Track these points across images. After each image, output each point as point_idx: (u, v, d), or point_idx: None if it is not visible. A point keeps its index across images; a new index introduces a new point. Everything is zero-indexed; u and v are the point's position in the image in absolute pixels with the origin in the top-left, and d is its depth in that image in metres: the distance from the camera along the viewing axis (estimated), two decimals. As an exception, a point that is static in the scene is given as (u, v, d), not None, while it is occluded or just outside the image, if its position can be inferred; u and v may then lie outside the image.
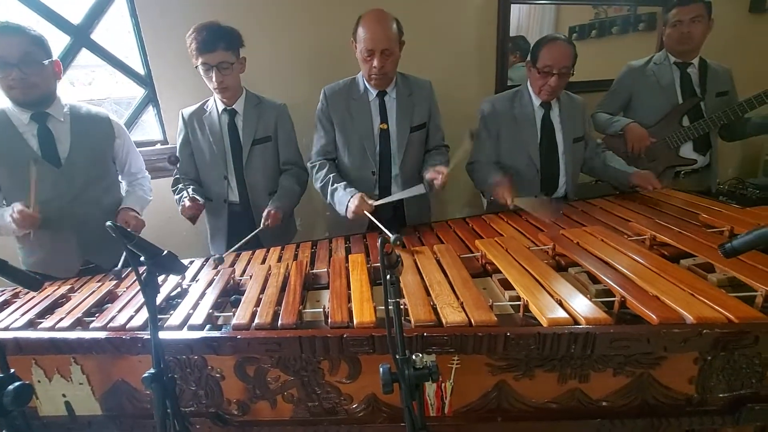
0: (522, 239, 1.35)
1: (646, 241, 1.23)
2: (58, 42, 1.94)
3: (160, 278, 1.25)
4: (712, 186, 2.16)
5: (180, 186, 1.69)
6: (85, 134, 1.53)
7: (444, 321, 0.91)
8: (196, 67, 1.59)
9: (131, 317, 1.07)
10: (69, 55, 1.98)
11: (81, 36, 1.98)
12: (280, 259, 1.41)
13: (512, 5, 2.49)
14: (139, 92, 2.13)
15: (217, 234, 1.82)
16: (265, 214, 1.60)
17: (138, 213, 1.61)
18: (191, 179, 1.77)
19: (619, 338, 0.86)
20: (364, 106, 1.67)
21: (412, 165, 1.73)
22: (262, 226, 1.58)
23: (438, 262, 1.20)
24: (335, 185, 1.62)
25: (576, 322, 0.88)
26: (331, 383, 1.00)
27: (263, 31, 2.11)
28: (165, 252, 0.87)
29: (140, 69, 2.08)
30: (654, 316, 0.87)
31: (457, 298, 0.99)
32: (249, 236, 1.53)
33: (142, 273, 0.85)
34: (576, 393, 0.97)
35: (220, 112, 1.71)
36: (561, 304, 0.93)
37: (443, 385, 0.99)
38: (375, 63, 1.52)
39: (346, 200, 1.54)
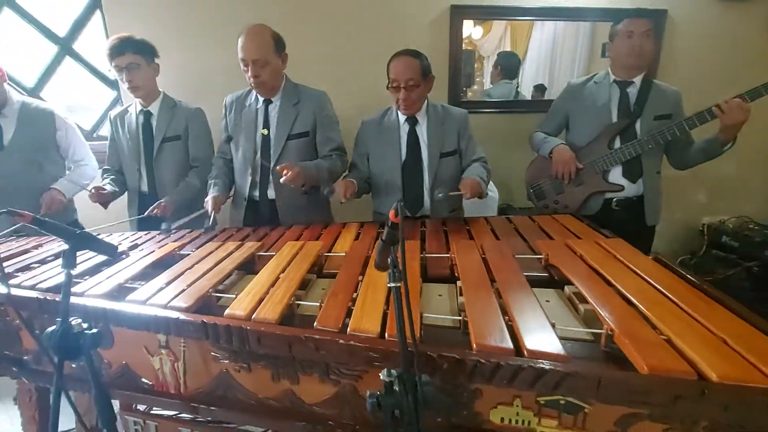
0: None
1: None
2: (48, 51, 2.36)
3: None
4: (649, 219, 1.90)
5: (102, 177, 1.97)
6: (29, 125, 1.87)
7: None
8: (109, 71, 1.84)
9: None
10: (55, 63, 2.38)
11: (65, 46, 2.38)
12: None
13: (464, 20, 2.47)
14: (110, 95, 2.50)
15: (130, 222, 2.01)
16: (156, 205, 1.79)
17: (63, 194, 1.90)
18: (116, 171, 2.04)
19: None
20: (252, 113, 1.80)
21: None
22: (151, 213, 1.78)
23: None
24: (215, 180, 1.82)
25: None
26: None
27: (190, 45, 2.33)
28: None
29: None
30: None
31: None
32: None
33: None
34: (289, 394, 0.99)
35: (138, 113, 1.96)
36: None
37: (176, 364, 1.07)
38: (249, 72, 1.65)
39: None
